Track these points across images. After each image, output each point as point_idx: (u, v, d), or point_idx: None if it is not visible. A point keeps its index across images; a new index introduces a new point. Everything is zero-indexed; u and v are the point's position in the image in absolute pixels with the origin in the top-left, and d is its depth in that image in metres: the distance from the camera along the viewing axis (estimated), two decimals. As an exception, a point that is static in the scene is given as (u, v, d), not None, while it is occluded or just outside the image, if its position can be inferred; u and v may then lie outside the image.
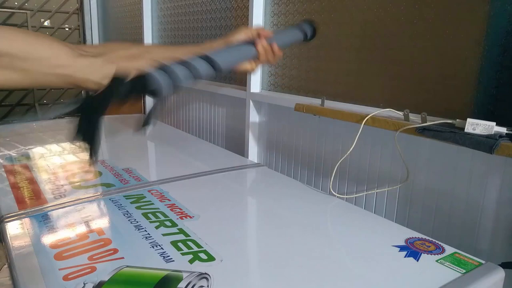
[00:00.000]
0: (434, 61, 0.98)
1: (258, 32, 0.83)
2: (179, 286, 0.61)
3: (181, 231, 0.80)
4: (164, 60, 0.67)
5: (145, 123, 0.64)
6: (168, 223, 0.83)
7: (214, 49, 0.76)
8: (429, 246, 0.77)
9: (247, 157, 1.57)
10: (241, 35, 0.82)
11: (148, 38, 2.36)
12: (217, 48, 0.77)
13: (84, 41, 3.49)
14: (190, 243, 0.75)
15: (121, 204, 0.92)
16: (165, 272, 0.65)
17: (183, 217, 0.86)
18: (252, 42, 0.81)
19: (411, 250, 0.76)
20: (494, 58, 0.86)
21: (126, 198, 0.96)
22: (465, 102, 0.93)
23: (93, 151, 0.65)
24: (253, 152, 1.60)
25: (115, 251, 0.71)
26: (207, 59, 0.71)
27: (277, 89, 1.48)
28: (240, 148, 1.63)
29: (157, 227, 0.81)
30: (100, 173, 1.15)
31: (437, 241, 0.79)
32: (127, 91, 0.61)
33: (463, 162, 0.95)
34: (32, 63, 0.56)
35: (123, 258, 0.69)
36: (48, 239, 0.77)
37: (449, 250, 0.76)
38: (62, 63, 0.59)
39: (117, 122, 2.03)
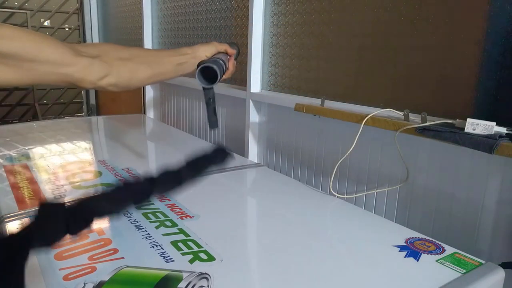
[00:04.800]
0: (434, 61, 0.98)
1: (226, 49, 0.95)
2: (179, 286, 0.61)
3: (181, 231, 0.80)
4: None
5: (213, 121, 0.90)
6: (168, 223, 0.83)
7: (207, 52, 0.90)
8: (429, 246, 0.77)
9: (247, 157, 1.57)
10: (220, 47, 0.93)
11: (148, 38, 2.36)
12: (210, 54, 0.90)
13: (84, 41, 3.49)
14: (190, 243, 0.75)
15: (121, 204, 0.92)
16: (165, 272, 0.65)
17: (183, 217, 0.86)
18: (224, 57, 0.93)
19: (411, 250, 0.76)
20: (494, 58, 0.86)
21: (126, 198, 0.95)
22: (465, 102, 0.93)
23: None
24: (253, 152, 1.60)
25: (115, 251, 0.71)
26: (223, 62, 0.89)
27: (277, 89, 1.48)
28: (240, 148, 1.63)
29: (157, 227, 0.81)
30: (100, 173, 1.15)
31: (437, 241, 0.79)
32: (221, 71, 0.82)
33: (463, 162, 0.95)
34: (39, 63, 0.58)
35: (123, 258, 0.69)
36: (48, 239, 0.76)
37: (449, 250, 0.76)
38: (65, 64, 0.61)
39: (117, 122, 2.03)
